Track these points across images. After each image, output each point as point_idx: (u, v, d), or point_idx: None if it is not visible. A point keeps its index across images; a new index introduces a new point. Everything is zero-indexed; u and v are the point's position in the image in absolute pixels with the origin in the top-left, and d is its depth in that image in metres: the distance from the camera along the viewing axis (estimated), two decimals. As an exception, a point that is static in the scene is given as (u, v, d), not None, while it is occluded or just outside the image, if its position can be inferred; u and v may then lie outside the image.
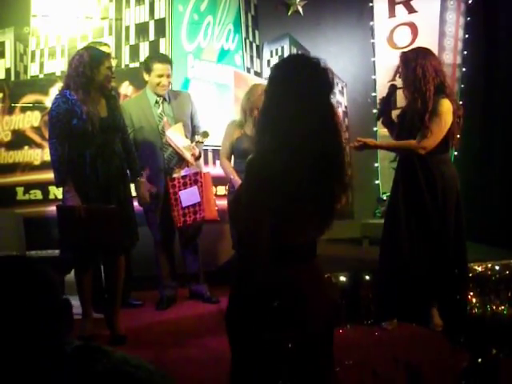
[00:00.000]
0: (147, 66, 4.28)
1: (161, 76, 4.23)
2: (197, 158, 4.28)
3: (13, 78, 5.32)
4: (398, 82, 4.11)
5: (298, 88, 1.73)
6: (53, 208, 4.68)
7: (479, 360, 2.99)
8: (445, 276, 3.59)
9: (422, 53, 3.67)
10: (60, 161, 3.42)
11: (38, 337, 1.10)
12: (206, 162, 5.08)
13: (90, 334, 3.45)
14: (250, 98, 4.12)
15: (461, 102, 4.12)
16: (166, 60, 4.33)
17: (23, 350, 1.09)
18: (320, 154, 1.72)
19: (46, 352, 1.11)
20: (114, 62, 4.24)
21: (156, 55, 4.65)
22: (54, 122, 3.45)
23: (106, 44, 4.39)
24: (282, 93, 1.75)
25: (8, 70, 5.28)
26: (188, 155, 4.20)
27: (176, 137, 4.19)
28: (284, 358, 1.64)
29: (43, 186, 4.97)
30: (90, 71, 3.42)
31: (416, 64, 3.55)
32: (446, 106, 3.54)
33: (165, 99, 4.32)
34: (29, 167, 5.02)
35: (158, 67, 4.23)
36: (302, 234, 1.80)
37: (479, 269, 4.14)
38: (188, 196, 4.08)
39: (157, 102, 4.30)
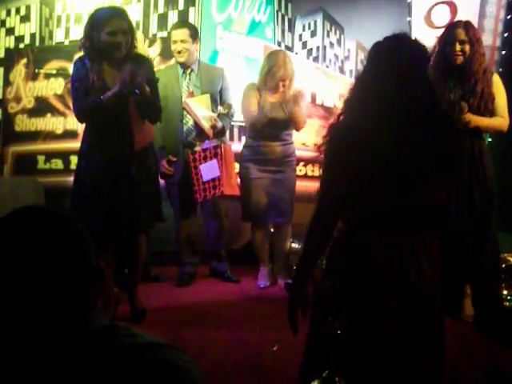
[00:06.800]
0: (170, 36, 4.20)
1: (175, 42, 4.10)
2: (219, 132, 4.10)
3: (37, 44, 5.21)
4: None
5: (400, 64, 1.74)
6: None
7: None
8: (483, 265, 3.43)
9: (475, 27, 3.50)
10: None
11: (60, 305, 0.95)
12: (232, 139, 4.91)
13: (112, 319, 3.25)
14: (272, 67, 3.98)
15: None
16: (180, 25, 4.21)
17: (40, 320, 0.94)
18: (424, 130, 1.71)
19: (68, 326, 0.96)
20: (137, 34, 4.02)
21: (175, 22, 4.55)
22: (76, 86, 3.16)
23: None
24: (386, 69, 1.76)
25: (33, 35, 5.18)
26: (206, 125, 4.02)
27: (196, 107, 4.04)
28: (333, 343, 1.51)
29: (65, 156, 4.89)
30: (90, 42, 3.11)
31: (480, 40, 3.36)
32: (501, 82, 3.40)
33: (193, 70, 4.17)
34: (51, 136, 4.93)
35: (173, 34, 4.14)
36: (379, 200, 1.73)
37: (512, 259, 3.96)
38: (208, 170, 3.93)
39: (184, 73, 4.16)
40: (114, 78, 3.12)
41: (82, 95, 3.12)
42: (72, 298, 0.97)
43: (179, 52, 4.10)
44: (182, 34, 4.09)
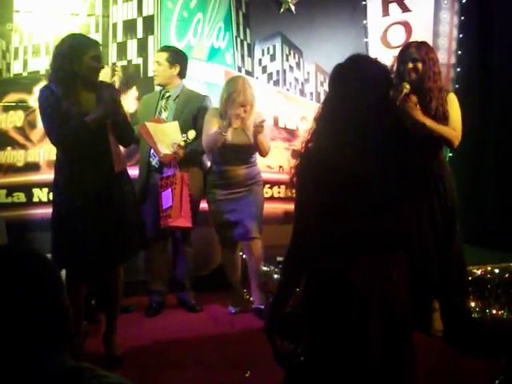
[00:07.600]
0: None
1: (154, 63, 4.27)
2: (189, 158, 4.09)
3: (-5, 77, 5.14)
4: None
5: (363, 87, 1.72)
6: (36, 211, 4.59)
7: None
8: (449, 279, 3.48)
9: (431, 47, 3.63)
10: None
11: (23, 345, 0.94)
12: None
13: (80, 353, 3.12)
14: (231, 93, 3.97)
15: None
16: (162, 49, 4.38)
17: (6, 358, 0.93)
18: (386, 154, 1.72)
19: (33, 366, 0.94)
20: None
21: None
22: (49, 112, 3.05)
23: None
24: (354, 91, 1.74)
25: (-10, 68, 5.10)
26: (163, 151, 3.97)
27: (159, 132, 3.98)
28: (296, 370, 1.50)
29: (27, 189, 4.78)
30: (69, 64, 3.02)
31: (434, 59, 3.47)
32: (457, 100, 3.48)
33: (170, 94, 4.22)
34: (12, 169, 4.84)
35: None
36: (348, 224, 1.73)
37: (478, 272, 4.02)
38: (165, 198, 3.90)
39: (163, 96, 4.22)
40: (90, 102, 3.08)
41: (59, 121, 3.02)
42: (41, 335, 0.95)
43: (153, 72, 4.27)
44: (158, 56, 4.24)
